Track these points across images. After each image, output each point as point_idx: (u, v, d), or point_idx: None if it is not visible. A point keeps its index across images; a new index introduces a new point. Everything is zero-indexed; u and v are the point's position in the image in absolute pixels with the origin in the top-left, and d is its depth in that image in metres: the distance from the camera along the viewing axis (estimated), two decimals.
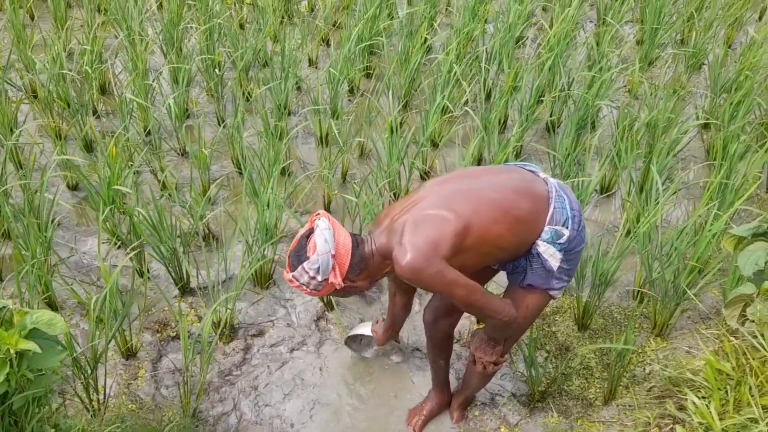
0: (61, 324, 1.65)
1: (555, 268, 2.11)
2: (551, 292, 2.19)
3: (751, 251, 1.76)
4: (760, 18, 4.94)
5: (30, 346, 1.54)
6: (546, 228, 2.07)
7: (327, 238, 1.91)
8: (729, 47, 4.49)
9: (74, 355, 2.16)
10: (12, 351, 1.55)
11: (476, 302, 1.99)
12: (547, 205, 2.09)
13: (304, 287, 1.97)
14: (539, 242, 2.08)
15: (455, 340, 2.92)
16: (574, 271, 2.20)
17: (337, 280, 1.93)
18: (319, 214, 1.99)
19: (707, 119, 3.71)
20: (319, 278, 1.93)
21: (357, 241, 2.00)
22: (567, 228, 2.09)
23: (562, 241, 2.08)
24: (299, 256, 1.94)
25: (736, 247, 1.90)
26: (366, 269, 2.02)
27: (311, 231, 1.96)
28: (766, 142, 3.31)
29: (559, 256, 2.09)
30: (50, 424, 1.74)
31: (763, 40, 4.03)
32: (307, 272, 1.93)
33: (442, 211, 1.94)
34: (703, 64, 4.30)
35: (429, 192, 2.04)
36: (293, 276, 1.96)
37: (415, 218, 1.94)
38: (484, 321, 2.11)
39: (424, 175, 3.61)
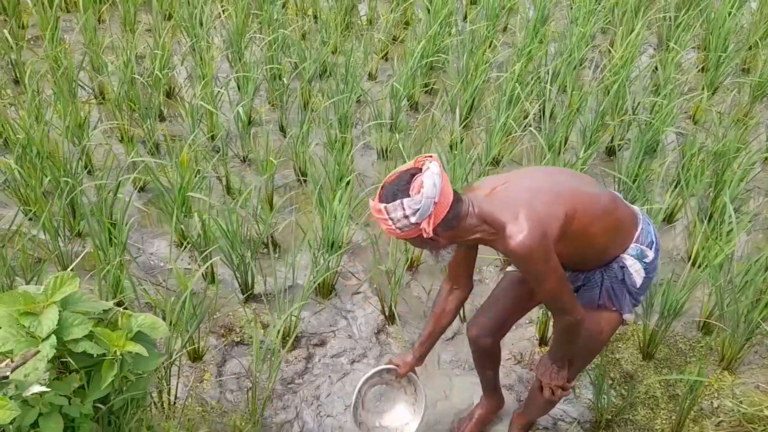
0: (163, 328, 1.68)
1: (638, 285, 2.10)
2: (624, 315, 2.17)
3: None
4: None
5: (138, 348, 1.57)
6: (633, 245, 2.08)
7: (436, 183, 1.81)
8: None
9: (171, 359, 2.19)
10: (119, 353, 1.58)
11: (563, 294, 1.95)
12: (637, 222, 2.10)
13: (391, 222, 1.84)
14: (626, 256, 2.08)
15: (516, 362, 2.91)
16: (642, 297, 2.18)
17: (429, 228, 1.84)
18: (431, 156, 1.89)
19: None
20: (413, 219, 1.82)
21: (457, 198, 1.92)
22: (651, 250, 2.10)
23: (647, 260, 2.09)
24: (399, 190, 1.82)
25: None
26: (456, 228, 1.93)
27: (417, 171, 1.85)
28: None
29: (643, 273, 2.10)
30: (146, 425, 1.77)
31: None
32: (404, 209, 1.80)
33: (552, 194, 1.92)
34: None
35: (532, 173, 2.03)
36: (386, 207, 1.82)
37: (530, 196, 1.90)
38: (559, 316, 2.06)
39: None
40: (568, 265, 2.09)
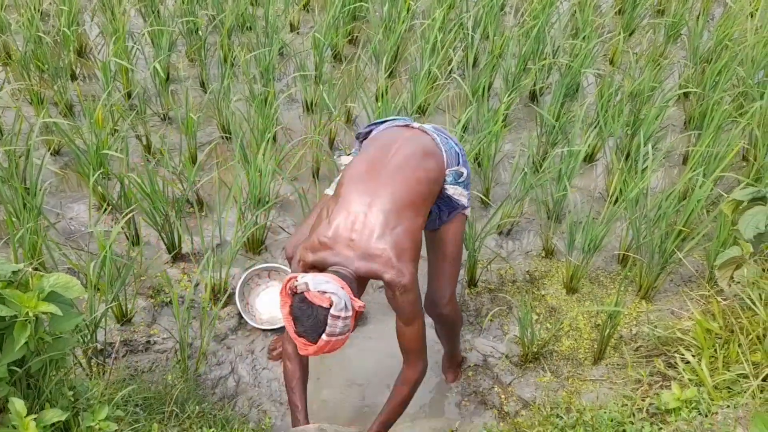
0: (78, 287, 1.63)
1: (467, 205, 2.30)
2: (465, 211, 2.34)
3: (751, 215, 1.84)
4: None
5: (51, 308, 1.53)
6: (446, 171, 2.22)
7: (322, 280, 1.85)
8: (705, 17, 4.57)
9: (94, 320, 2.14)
10: (31, 314, 1.53)
11: (420, 330, 2.11)
12: (440, 151, 2.21)
13: (341, 337, 1.87)
14: (446, 186, 2.23)
15: None
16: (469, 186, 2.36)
17: (357, 302, 1.91)
18: (290, 280, 1.88)
19: (688, 88, 3.79)
20: (349, 312, 1.87)
21: (335, 270, 1.99)
22: (461, 165, 2.25)
23: (462, 178, 2.25)
24: (315, 316, 1.83)
25: (734, 211, 1.98)
26: (356, 288, 2.02)
27: (300, 299, 1.85)
28: (745, 111, 3.41)
29: (466, 193, 2.28)
30: (67, 386, 1.73)
31: (739, 11, 4.12)
32: (338, 317, 1.83)
33: (399, 223, 2.01)
34: (681, 34, 4.38)
35: (364, 202, 2.03)
36: (327, 336, 1.83)
37: (394, 239, 1.99)
38: (414, 365, 2.16)
39: None
40: None
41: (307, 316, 1.83)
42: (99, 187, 3.01)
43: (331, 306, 1.82)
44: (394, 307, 2.07)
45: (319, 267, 2.03)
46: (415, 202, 2.06)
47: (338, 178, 2.38)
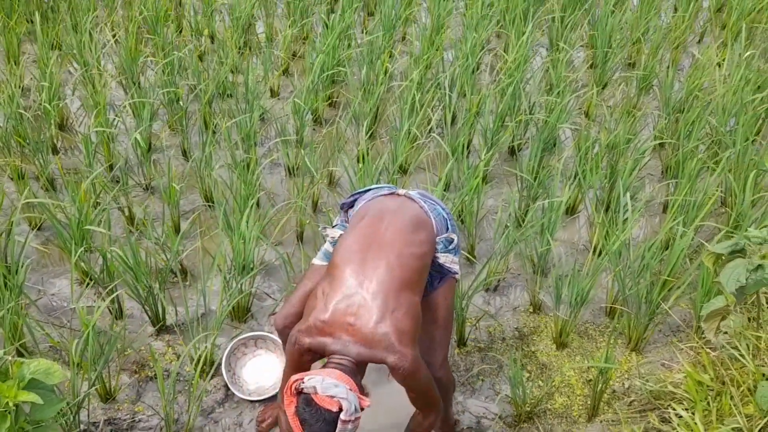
0: (59, 373, 1.60)
1: (458, 271, 2.29)
2: (455, 276, 2.33)
3: (731, 268, 1.85)
4: (700, 41, 5.20)
5: (31, 397, 1.49)
6: (437, 239, 2.23)
7: (331, 384, 1.84)
8: (675, 68, 4.71)
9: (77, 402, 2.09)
10: (11, 404, 1.49)
11: (432, 394, 2.11)
12: (430, 219, 2.22)
13: None
14: (438, 255, 2.24)
15: None
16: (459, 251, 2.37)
17: (365, 402, 1.91)
18: (296, 381, 1.88)
19: (663, 139, 3.87)
20: (359, 414, 1.87)
21: (337, 363, 1.98)
22: (451, 231, 2.26)
23: (453, 245, 2.25)
24: (324, 419, 1.82)
25: (715, 263, 1.99)
26: (358, 375, 2.02)
27: (305, 400, 1.85)
28: (719, 158, 3.48)
29: (456, 259, 2.28)
30: None
31: (707, 61, 4.24)
32: (348, 421, 1.83)
33: (398, 305, 1.99)
34: (653, 85, 4.49)
35: (359, 283, 2.01)
36: None
37: (395, 322, 1.96)
38: (428, 414, 2.16)
39: None
40: None
41: (316, 419, 1.82)
42: (81, 263, 2.98)
43: (340, 410, 1.81)
44: (400, 383, 2.04)
45: (317, 352, 2.00)
46: (412, 279, 2.05)
47: (325, 246, 2.38)
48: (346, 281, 2.02)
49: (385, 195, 2.29)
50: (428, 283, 2.26)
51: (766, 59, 4.68)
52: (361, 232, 2.15)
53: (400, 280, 2.01)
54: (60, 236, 3.01)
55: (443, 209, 2.29)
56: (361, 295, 1.98)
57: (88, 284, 3.01)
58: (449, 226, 2.26)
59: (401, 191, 2.30)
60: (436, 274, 2.25)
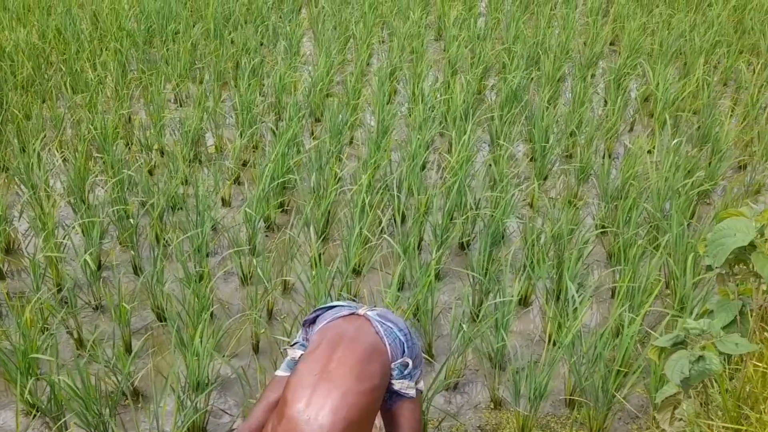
0: None
1: (415, 395, 2.26)
2: (419, 387, 2.30)
3: (674, 360, 1.90)
4: (631, 129, 5.50)
5: None
6: (392, 365, 2.21)
7: None
8: (610, 157, 4.95)
9: None
10: None
11: None
12: (385, 346, 2.20)
13: None
14: (393, 382, 2.21)
15: None
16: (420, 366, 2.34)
17: None
18: None
19: (604, 226, 4.02)
20: None
21: None
22: (406, 356, 2.24)
23: (408, 370, 2.23)
24: None
25: (659, 356, 2.05)
26: None
27: None
28: (658, 243, 3.61)
29: (412, 384, 2.25)
30: None
31: (638, 150, 4.48)
32: None
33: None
34: (591, 175, 4.70)
35: (310, 415, 2.01)
36: None
37: None
38: None
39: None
40: None
41: None
42: (27, 394, 2.87)
43: None
44: None
45: None
46: (359, 418, 2.03)
47: (288, 359, 2.36)
48: (296, 413, 2.02)
49: (344, 317, 2.28)
50: (385, 403, 2.23)
51: (693, 144, 4.97)
52: (312, 365, 2.13)
53: (344, 422, 1.99)
54: (4, 365, 2.91)
55: (400, 330, 2.27)
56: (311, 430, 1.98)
57: (35, 416, 2.89)
58: (405, 351, 2.25)
59: (361, 311, 2.30)
60: (395, 397, 2.24)
